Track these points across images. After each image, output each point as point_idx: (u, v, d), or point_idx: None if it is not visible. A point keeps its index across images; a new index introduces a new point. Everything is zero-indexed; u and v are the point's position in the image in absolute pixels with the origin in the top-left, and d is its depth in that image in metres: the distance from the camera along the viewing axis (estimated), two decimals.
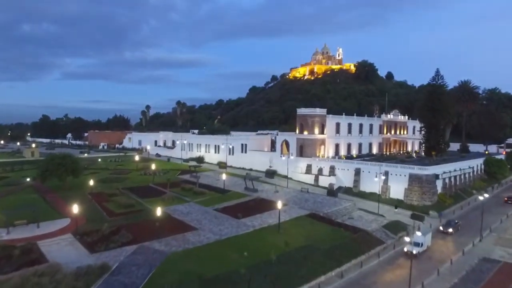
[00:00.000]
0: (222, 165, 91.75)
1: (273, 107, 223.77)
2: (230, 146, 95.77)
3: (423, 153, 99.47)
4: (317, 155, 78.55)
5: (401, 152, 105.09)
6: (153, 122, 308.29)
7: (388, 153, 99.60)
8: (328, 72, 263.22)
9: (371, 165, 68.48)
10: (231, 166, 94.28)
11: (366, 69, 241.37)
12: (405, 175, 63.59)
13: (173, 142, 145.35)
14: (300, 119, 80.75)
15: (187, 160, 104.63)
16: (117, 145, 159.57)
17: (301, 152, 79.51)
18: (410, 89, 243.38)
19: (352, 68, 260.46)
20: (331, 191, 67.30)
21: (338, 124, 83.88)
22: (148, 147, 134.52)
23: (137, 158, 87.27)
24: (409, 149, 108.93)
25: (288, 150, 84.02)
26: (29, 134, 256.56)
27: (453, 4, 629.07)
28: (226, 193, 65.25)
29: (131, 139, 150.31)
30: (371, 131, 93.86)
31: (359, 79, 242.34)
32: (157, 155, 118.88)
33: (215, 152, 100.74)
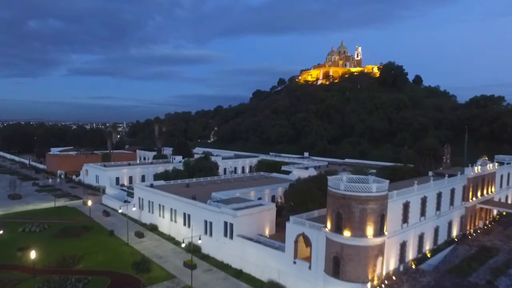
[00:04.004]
0: (188, 262, 51.62)
1: (280, 119, 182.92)
2: (201, 232, 55.71)
3: None
4: (370, 277, 38.55)
5: (488, 223, 64.72)
6: (144, 130, 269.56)
7: (472, 230, 59.48)
8: (346, 75, 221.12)
9: None
10: (208, 257, 54.96)
11: (393, 73, 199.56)
12: None
13: (143, 179, 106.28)
14: (335, 202, 39.89)
15: (140, 233, 65.10)
16: (73, 176, 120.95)
17: (335, 268, 39.48)
18: (447, 98, 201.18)
19: (375, 71, 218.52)
20: None
21: (406, 206, 43.64)
22: (105, 189, 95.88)
23: (32, 255, 47.77)
24: (494, 213, 68.70)
25: (307, 246, 44.40)
26: None
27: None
28: None
29: (88, 172, 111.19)
30: (452, 201, 53.68)
31: (384, 85, 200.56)
32: (105, 213, 78.01)
33: (184, 224, 61.14)
